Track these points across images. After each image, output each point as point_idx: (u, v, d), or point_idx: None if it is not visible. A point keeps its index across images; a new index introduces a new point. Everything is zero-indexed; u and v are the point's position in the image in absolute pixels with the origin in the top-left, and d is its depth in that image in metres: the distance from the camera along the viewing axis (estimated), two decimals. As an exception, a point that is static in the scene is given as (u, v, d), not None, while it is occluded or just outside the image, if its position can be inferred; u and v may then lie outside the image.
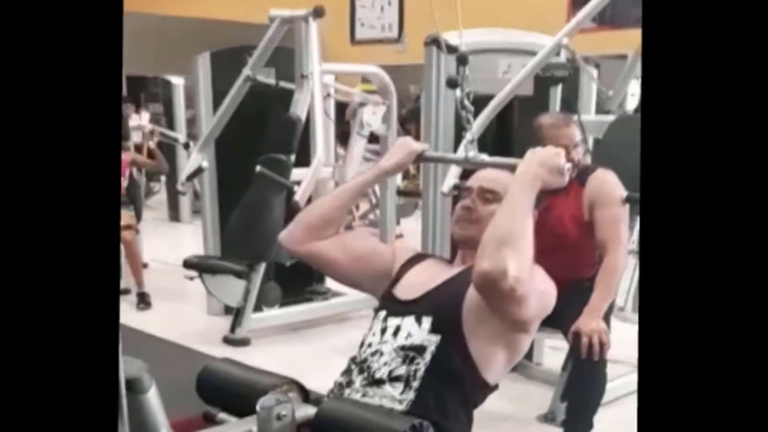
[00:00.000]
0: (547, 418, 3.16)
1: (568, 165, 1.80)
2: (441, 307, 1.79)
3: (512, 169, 1.85)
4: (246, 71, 4.47)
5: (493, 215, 1.88)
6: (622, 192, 2.79)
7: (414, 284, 1.90)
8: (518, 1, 9.69)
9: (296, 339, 4.39)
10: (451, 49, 3.83)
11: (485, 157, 2.07)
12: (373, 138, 4.91)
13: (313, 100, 4.12)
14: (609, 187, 2.80)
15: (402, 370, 1.73)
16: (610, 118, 3.47)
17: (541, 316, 1.80)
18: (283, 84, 4.55)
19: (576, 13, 11.14)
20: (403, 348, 1.76)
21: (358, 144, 4.65)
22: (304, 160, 4.21)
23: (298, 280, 4.60)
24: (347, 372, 1.83)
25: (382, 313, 1.89)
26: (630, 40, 3.56)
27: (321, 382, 1.91)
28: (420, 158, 2.13)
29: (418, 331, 1.77)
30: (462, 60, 2.05)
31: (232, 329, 4.14)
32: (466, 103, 2.07)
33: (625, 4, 9.94)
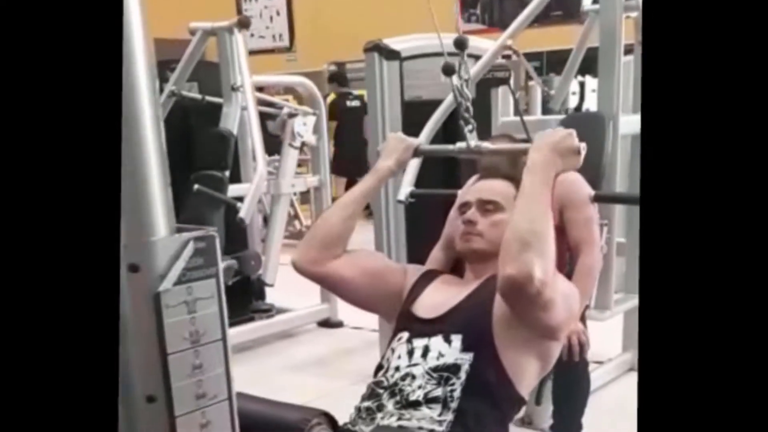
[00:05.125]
0: (524, 421, 3.15)
1: (582, 144, 1.74)
2: (470, 323, 1.74)
3: (520, 155, 1.83)
4: (169, 86, 4.31)
5: (494, 226, 1.85)
6: (589, 191, 2.81)
7: (434, 302, 1.84)
8: (408, 4, 9.83)
9: (243, 359, 4.24)
10: (392, 54, 3.82)
11: (489, 146, 1.99)
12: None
13: (248, 113, 4.00)
14: (577, 187, 2.80)
15: (438, 392, 1.66)
16: (557, 117, 3.50)
17: (569, 321, 1.78)
18: (210, 98, 4.41)
19: (465, 13, 11.25)
20: (436, 369, 1.69)
21: (291, 155, 4.55)
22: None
23: (239, 299, 4.45)
24: (374, 396, 1.74)
25: (405, 334, 1.81)
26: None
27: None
28: (417, 153, 2.09)
29: (449, 350, 1.71)
30: (460, 45, 1.97)
31: (178, 356, 3.96)
32: (465, 90, 1.97)
33: (512, 6, 10.25)
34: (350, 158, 7.67)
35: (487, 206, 1.91)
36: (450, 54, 3.80)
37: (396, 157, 2.04)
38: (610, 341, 3.75)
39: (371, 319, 4.15)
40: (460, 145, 1.99)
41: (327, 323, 4.76)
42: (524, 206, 1.66)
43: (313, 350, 4.38)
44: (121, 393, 0.85)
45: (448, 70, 2.00)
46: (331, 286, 1.96)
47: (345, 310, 4.78)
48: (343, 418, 1.72)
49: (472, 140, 1.97)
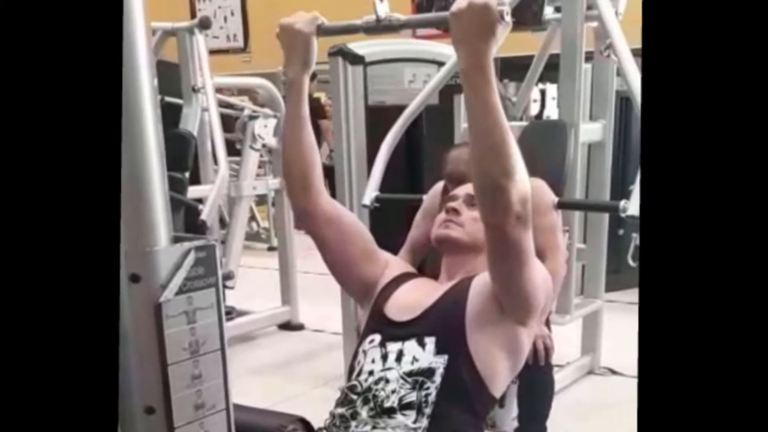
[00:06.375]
0: (488, 424, 3.17)
1: (505, 8, 1.44)
2: (443, 325, 1.74)
3: (440, 23, 1.60)
4: (128, 86, 4.25)
5: (477, 221, 1.85)
6: (553, 197, 2.84)
7: (407, 304, 1.83)
8: (363, 7, 9.82)
9: (203, 364, 4.20)
10: (356, 59, 3.82)
11: (401, 17, 1.72)
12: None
13: (210, 115, 3.97)
14: (541, 194, 2.82)
15: (413, 397, 1.66)
16: (519, 124, 3.53)
17: (541, 307, 1.76)
18: (169, 99, 4.36)
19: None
20: (410, 374, 1.69)
21: (252, 157, 4.52)
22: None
23: (199, 303, 4.40)
24: (348, 403, 1.73)
25: (377, 337, 1.80)
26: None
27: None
28: (321, 32, 1.75)
29: (423, 353, 1.71)
30: None
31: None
32: None
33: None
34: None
35: (473, 201, 1.87)
36: (414, 60, 3.83)
37: (298, 59, 1.77)
38: (569, 345, 3.80)
39: (332, 322, 4.16)
40: (368, 18, 1.70)
41: (288, 326, 4.74)
42: (480, 131, 1.51)
43: (274, 353, 4.36)
44: (120, 405, 0.84)
45: None
46: (321, 242, 1.87)
47: (306, 313, 4.77)
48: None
49: (382, 10, 1.68)
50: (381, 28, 1.70)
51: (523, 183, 1.53)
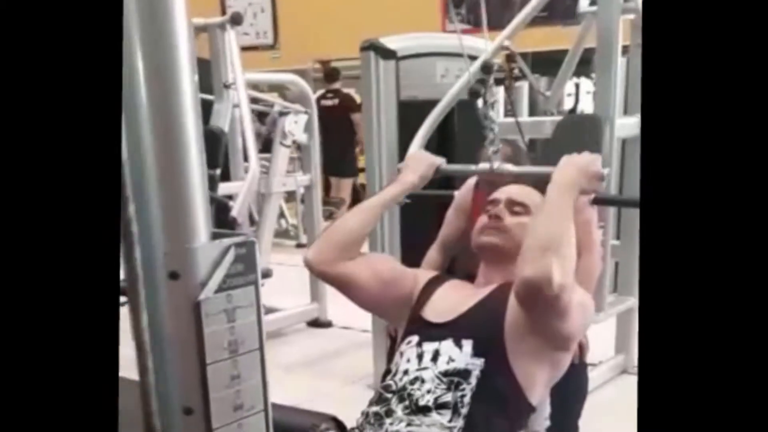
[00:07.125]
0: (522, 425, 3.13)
1: (606, 170, 1.80)
2: (482, 329, 1.72)
3: (543, 179, 1.81)
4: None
5: (521, 227, 1.84)
6: (588, 194, 2.80)
7: (445, 306, 1.82)
8: (392, 2, 9.83)
9: (233, 360, 4.20)
10: (388, 54, 3.79)
11: (511, 167, 2.01)
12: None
13: (241, 111, 3.96)
14: (576, 189, 2.79)
15: (448, 397, 1.64)
16: (552, 119, 3.48)
17: (582, 331, 1.77)
18: (201, 95, 4.35)
19: (449, 15, 11.25)
20: (446, 374, 1.68)
21: (282, 154, 4.51)
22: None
23: (229, 299, 4.41)
24: (382, 401, 1.72)
25: (414, 338, 1.79)
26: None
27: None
28: (438, 171, 2.12)
29: (459, 354, 1.70)
30: (487, 69, 1.96)
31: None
32: (491, 114, 1.98)
33: (494, 6, 10.29)
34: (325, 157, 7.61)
35: (516, 207, 1.91)
36: (446, 55, 3.78)
37: (420, 173, 2.08)
38: (603, 343, 3.75)
39: (360, 320, 4.12)
40: (483, 165, 2.06)
41: (316, 323, 4.73)
42: (545, 216, 1.68)
43: (303, 350, 4.36)
44: (158, 405, 0.83)
45: (474, 94, 2.05)
46: (342, 287, 1.91)
47: (334, 310, 4.76)
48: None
49: (496, 162, 2.04)
50: (494, 174, 2.06)
51: (569, 285, 1.59)
